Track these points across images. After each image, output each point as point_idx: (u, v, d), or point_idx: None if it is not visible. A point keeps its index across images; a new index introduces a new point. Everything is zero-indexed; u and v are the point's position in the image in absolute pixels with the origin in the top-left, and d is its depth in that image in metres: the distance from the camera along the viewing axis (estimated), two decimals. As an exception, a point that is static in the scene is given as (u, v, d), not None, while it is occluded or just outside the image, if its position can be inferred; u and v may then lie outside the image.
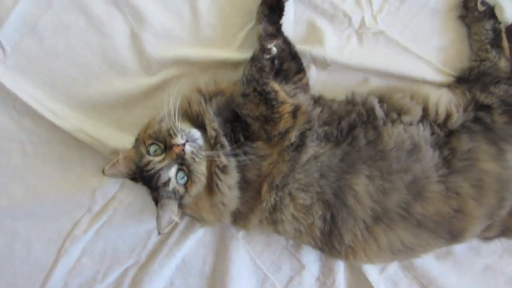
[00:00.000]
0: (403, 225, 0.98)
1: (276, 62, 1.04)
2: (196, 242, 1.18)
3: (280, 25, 1.09)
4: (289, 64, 1.08)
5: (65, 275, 1.20)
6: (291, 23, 1.12)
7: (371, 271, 1.13)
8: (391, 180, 0.97)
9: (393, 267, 1.15)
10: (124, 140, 1.11)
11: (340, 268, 1.15)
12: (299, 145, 0.98)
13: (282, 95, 1.00)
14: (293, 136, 0.97)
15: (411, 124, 1.00)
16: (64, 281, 1.20)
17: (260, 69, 1.02)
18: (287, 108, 0.99)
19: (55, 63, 1.17)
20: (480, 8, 1.11)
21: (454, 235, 1.01)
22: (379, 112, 1.00)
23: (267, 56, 1.03)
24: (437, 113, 1.01)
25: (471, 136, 1.00)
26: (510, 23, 1.11)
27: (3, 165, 1.19)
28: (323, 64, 1.11)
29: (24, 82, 1.17)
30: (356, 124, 1.00)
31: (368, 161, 0.98)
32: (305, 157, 0.97)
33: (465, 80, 1.10)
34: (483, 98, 1.02)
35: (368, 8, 1.14)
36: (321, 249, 1.07)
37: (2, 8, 1.15)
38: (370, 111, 1.01)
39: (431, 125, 1.00)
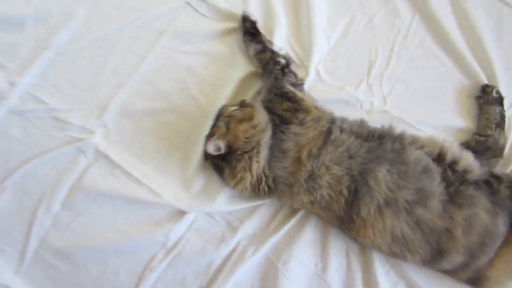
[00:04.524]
0: (406, 217, 1.28)
1: (285, 70, 1.50)
2: (245, 271, 1.47)
3: (265, 43, 1.57)
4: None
5: (144, 297, 1.55)
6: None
7: (385, 286, 1.41)
8: (405, 180, 1.30)
9: (402, 286, 1.42)
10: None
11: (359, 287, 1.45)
12: (328, 131, 1.36)
13: (298, 94, 1.44)
14: (324, 123, 1.37)
15: (429, 156, 1.35)
16: (143, 302, 1.55)
17: (275, 78, 1.48)
18: (308, 103, 1.43)
19: (145, 137, 1.57)
20: (495, 94, 1.53)
21: (439, 250, 1.29)
22: (407, 138, 1.37)
23: (278, 67, 1.50)
24: (455, 162, 1.32)
25: (477, 189, 1.31)
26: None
27: (98, 214, 1.51)
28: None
29: (121, 151, 1.55)
30: (386, 135, 1.37)
31: (391, 161, 1.32)
32: (331, 137, 1.35)
33: (472, 149, 1.41)
34: (495, 170, 1.40)
35: (380, 92, 1.60)
36: (341, 220, 1.36)
37: (106, 98, 1.58)
38: (400, 136, 1.38)
39: (445, 168, 1.32)
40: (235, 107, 1.47)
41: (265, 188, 1.41)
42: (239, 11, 1.64)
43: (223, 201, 1.51)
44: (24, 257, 1.50)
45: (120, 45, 1.64)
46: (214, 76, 1.62)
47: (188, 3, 1.68)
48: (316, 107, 1.45)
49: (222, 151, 1.38)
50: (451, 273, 1.38)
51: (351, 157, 1.34)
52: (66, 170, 1.54)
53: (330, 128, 1.38)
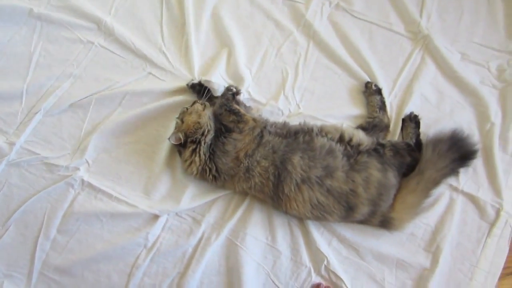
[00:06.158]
0: (318, 188, 1.54)
1: (235, 95, 1.77)
2: (212, 253, 1.65)
3: (210, 94, 1.81)
4: None
5: (134, 292, 1.64)
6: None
7: (322, 244, 1.63)
8: (314, 162, 1.56)
9: (335, 242, 1.65)
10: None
11: (303, 249, 1.64)
12: (260, 135, 1.63)
13: (242, 110, 1.70)
14: (257, 130, 1.64)
15: (332, 140, 1.61)
16: (133, 296, 1.63)
17: (227, 99, 1.73)
18: (248, 117, 1.68)
19: (119, 165, 1.79)
20: (374, 87, 1.83)
21: (350, 206, 1.54)
22: (315, 130, 1.63)
23: (230, 92, 1.76)
24: (351, 139, 1.61)
25: (369, 156, 1.59)
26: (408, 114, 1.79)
27: (88, 231, 1.68)
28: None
29: (101, 178, 1.76)
30: (299, 131, 1.64)
31: (302, 150, 1.58)
32: (263, 140, 1.62)
33: (364, 129, 1.73)
34: (381, 140, 1.67)
35: (294, 100, 1.90)
36: (273, 199, 1.61)
37: (85, 142, 1.79)
38: (310, 129, 1.64)
39: (345, 146, 1.60)
40: (188, 106, 1.75)
41: (211, 177, 1.65)
42: (186, 74, 1.94)
43: (187, 202, 1.71)
44: (31, 279, 1.64)
45: (96, 103, 1.87)
46: (169, 111, 1.85)
47: (150, 73, 1.95)
48: (253, 119, 1.69)
49: (182, 140, 1.65)
50: (365, 221, 1.61)
51: (274, 152, 1.60)
52: (59, 202, 1.71)
53: (262, 133, 1.64)
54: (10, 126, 1.83)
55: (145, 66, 1.96)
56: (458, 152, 1.59)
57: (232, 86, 1.81)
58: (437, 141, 1.60)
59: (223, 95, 1.78)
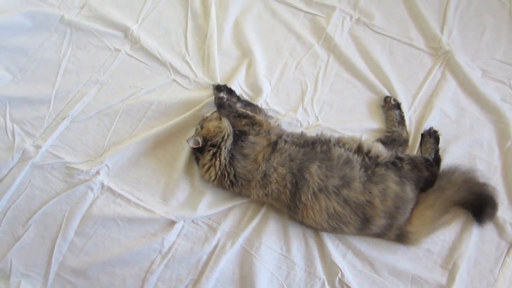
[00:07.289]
0: (335, 198, 1.52)
1: (234, 100, 1.80)
2: (226, 261, 1.62)
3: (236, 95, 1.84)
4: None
5: (148, 297, 1.62)
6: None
7: (337, 257, 1.60)
8: (331, 171, 1.55)
9: (350, 255, 1.61)
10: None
11: (317, 260, 1.61)
12: (275, 143, 1.62)
13: (250, 112, 1.73)
14: (273, 137, 1.64)
15: (349, 151, 1.60)
16: (147, 301, 1.61)
17: (229, 106, 1.75)
18: (260, 118, 1.70)
19: (138, 170, 1.78)
20: (393, 102, 1.81)
21: (366, 218, 1.51)
22: (332, 140, 1.63)
23: (228, 101, 1.77)
24: (369, 151, 1.60)
25: (387, 169, 1.56)
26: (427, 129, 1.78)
27: (105, 235, 1.67)
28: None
29: (120, 183, 1.76)
30: (316, 141, 1.63)
31: (320, 159, 1.57)
32: (278, 147, 1.61)
33: (383, 143, 1.69)
34: (400, 154, 1.64)
35: (312, 113, 1.89)
36: (289, 207, 1.59)
37: (109, 150, 1.80)
38: (328, 140, 1.63)
39: (363, 157, 1.58)
40: (207, 115, 1.77)
41: (228, 182, 1.63)
42: (209, 82, 1.94)
43: (203, 209, 1.69)
44: (47, 279, 1.62)
45: (123, 113, 1.88)
46: (191, 119, 1.84)
47: (174, 80, 1.96)
48: (266, 121, 1.71)
49: (200, 144, 1.65)
50: (381, 235, 1.57)
51: (291, 160, 1.59)
52: (78, 205, 1.70)
53: (276, 141, 1.63)
54: (37, 129, 1.85)
55: (169, 74, 1.98)
56: (483, 208, 1.58)
57: (224, 96, 1.82)
58: (472, 181, 1.59)
59: (223, 106, 1.77)
